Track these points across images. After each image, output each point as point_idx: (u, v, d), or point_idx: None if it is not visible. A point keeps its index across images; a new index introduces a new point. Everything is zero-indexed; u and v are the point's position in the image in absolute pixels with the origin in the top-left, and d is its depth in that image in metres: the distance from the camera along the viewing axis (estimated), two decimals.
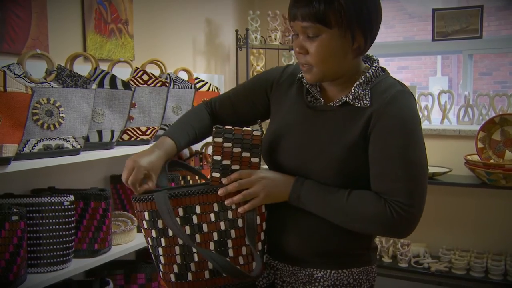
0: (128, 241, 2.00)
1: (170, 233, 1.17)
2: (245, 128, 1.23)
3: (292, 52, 3.22)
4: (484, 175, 2.57)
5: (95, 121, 1.81)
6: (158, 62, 2.20)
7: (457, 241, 2.98)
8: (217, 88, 2.54)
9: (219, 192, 1.20)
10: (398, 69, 7.32)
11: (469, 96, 3.07)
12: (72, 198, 1.70)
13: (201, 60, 3.02)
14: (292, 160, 1.25)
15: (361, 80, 1.19)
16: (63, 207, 1.66)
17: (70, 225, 1.69)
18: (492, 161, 2.63)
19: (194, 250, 1.18)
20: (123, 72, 2.03)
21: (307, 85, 1.27)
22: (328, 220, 1.20)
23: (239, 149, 1.20)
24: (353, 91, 1.18)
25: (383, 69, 1.26)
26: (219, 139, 1.20)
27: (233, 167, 1.21)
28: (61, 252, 1.67)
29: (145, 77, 2.03)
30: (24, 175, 1.78)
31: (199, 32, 2.99)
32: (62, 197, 1.67)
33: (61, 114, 1.64)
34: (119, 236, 1.95)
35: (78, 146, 1.71)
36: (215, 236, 1.19)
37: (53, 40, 2.01)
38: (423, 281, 2.94)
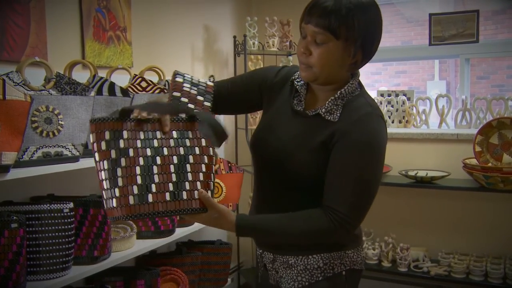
0: (128, 247, 2.00)
1: (132, 153, 1.15)
2: (200, 79, 1.46)
3: (290, 58, 3.23)
4: (482, 178, 2.58)
5: None
6: (157, 69, 2.21)
7: (456, 244, 2.98)
8: None
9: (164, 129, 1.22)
10: (396, 73, 7.34)
11: (467, 100, 3.08)
12: (71, 205, 1.70)
13: (199, 66, 3.03)
14: (270, 157, 1.37)
15: (336, 96, 1.29)
16: (62, 214, 1.67)
17: (69, 232, 1.69)
18: (490, 164, 2.64)
19: (156, 171, 1.17)
20: (121, 79, 2.04)
21: (297, 86, 1.37)
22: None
23: (195, 92, 1.41)
24: (327, 105, 1.30)
25: (360, 85, 1.36)
26: (180, 80, 1.43)
27: (189, 105, 1.39)
28: (61, 259, 1.67)
29: (143, 84, 2.04)
30: (24, 183, 1.78)
31: (197, 39, 3.00)
32: (62, 204, 1.67)
33: (60, 122, 1.65)
34: (119, 242, 1.96)
35: (77, 153, 1.71)
36: (175, 159, 1.22)
37: (52, 47, 2.02)
38: (423, 285, 2.94)
